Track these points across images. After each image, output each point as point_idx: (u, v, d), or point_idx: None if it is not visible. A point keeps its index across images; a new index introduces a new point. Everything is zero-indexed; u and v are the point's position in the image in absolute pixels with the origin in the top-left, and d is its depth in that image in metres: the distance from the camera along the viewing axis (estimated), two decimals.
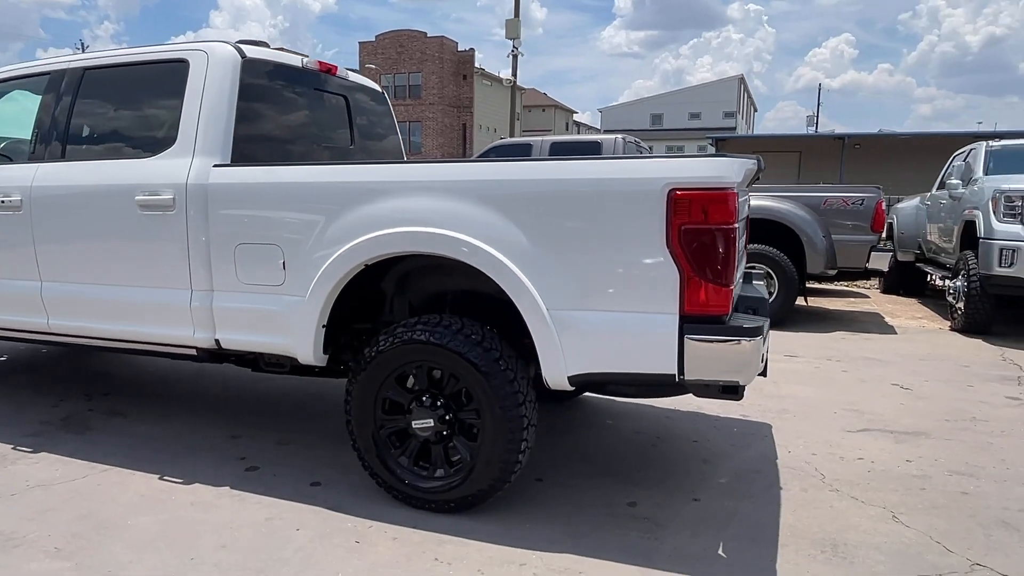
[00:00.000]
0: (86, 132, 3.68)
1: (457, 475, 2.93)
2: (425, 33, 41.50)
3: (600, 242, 2.63)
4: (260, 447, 3.73)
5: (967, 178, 8.04)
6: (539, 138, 12.14)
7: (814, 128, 53.54)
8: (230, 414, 4.28)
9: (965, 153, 8.85)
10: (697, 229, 2.50)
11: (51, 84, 3.71)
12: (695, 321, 2.56)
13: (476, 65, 42.69)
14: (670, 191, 2.51)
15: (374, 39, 42.71)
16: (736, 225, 2.52)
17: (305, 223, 3.02)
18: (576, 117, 66.36)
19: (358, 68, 41.94)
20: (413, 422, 2.95)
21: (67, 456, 3.57)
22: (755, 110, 76.75)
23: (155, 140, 3.43)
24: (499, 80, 45.22)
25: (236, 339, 3.28)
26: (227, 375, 5.09)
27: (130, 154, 3.49)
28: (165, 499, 3.09)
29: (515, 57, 18.68)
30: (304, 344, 3.08)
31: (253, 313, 3.18)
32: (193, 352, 3.46)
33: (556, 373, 2.72)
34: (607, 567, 2.58)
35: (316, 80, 3.92)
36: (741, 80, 61.32)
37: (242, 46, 3.43)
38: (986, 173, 7.79)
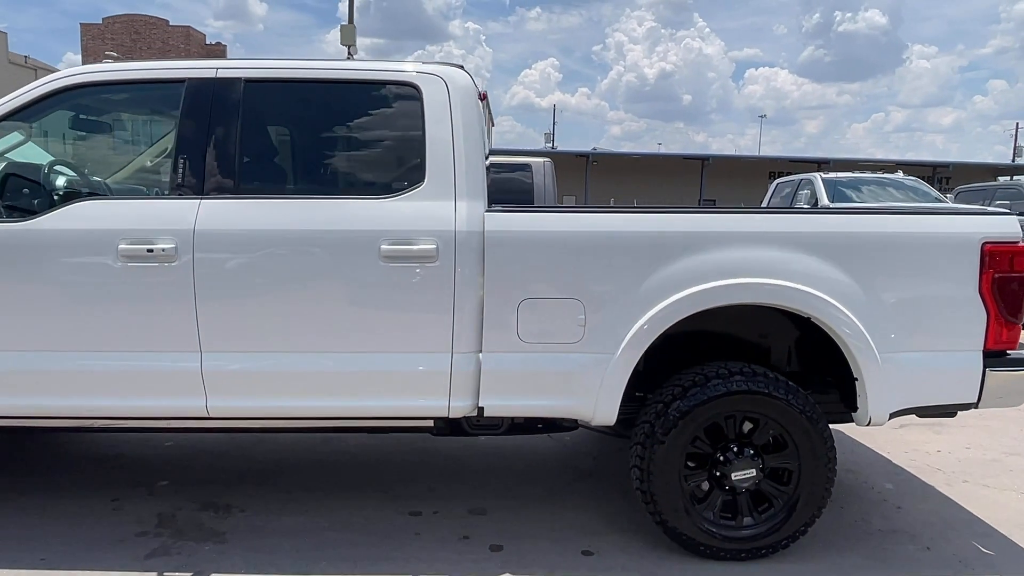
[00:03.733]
0: (270, 162, 2.92)
1: (769, 521, 2.97)
2: (167, 21, 36.82)
3: (922, 288, 2.89)
4: (463, 521, 3.30)
5: (813, 205, 9.71)
6: None
7: (551, 145, 58.40)
8: (375, 487, 3.67)
9: (795, 183, 10.63)
10: (1005, 277, 2.88)
11: (194, 96, 2.85)
12: (992, 355, 2.95)
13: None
14: (984, 244, 2.87)
15: (101, 21, 36.85)
16: None
17: (618, 274, 2.80)
18: None
19: (80, 54, 36.05)
20: (733, 473, 2.91)
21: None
22: None
23: (387, 177, 2.88)
24: None
25: (507, 404, 2.89)
26: (310, 442, 4.29)
27: (353, 193, 2.87)
28: None
29: None
30: (605, 404, 2.85)
31: (536, 375, 2.85)
32: (429, 424, 2.98)
33: (880, 411, 2.91)
34: None
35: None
36: None
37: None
38: (832, 201, 9.49)
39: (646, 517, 3.10)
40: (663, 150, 49.10)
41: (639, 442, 2.94)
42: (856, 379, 2.89)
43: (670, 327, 2.80)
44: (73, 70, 2.90)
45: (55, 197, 3.09)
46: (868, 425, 2.96)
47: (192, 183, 2.81)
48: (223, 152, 2.83)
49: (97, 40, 36.28)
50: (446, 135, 2.85)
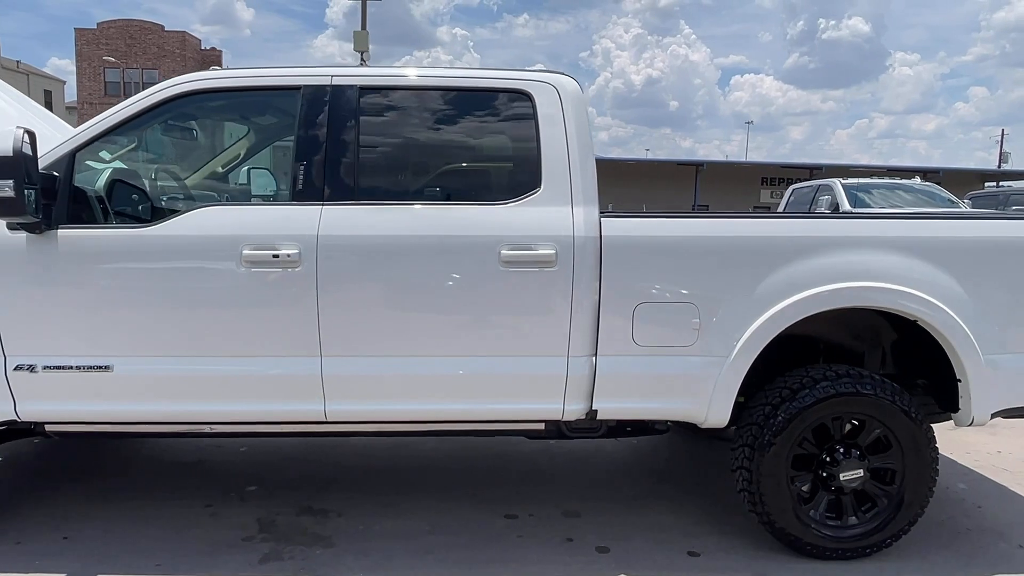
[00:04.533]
0: (387, 169, 2.95)
1: (873, 520, 3.02)
2: (162, 26, 36.62)
3: (1020, 290, 2.97)
4: (560, 523, 3.33)
5: (834, 210, 9.83)
6: None
7: None
8: (462, 490, 3.70)
9: (814, 189, 10.77)
10: None
11: (311, 104, 2.88)
12: None
13: (224, 67, 38.78)
14: None
15: (95, 27, 36.59)
16: None
17: (731, 279, 2.85)
18: None
19: (75, 59, 35.80)
20: (842, 474, 2.96)
21: None
22: None
23: (502, 183, 2.92)
24: None
25: (620, 407, 2.94)
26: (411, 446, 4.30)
27: (469, 199, 2.90)
28: None
29: None
30: (718, 407, 2.90)
31: (650, 378, 2.89)
32: (540, 427, 3.02)
33: (982, 411, 2.97)
34: None
35: None
36: None
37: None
38: (853, 206, 9.62)
39: (744, 518, 3.17)
40: (651, 156, 49.31)
41: (747, 444, 2.99)
42: (959, 380, 2.96)
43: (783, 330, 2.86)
44: (185, 78, 2.92)
45: (163, 203, 3.11)
46: (970, 425, 3.02)
47: (313, 189, 2.83)
48: (342, 159, 2.85)
49: (91, 45, 35.99)
50: (560, 141, 2.90)
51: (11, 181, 2.45)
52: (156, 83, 2.88)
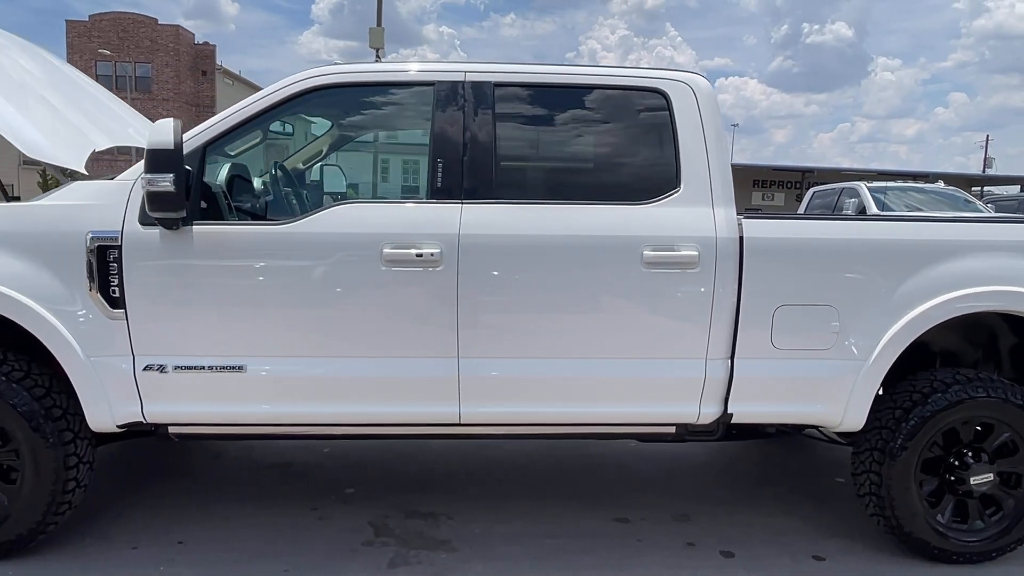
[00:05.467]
0: (523, 167, 2.90)
1: (999, 524, 3.02)
2: (156, 20, 36.01)
3: None
4: (674, 527, 3.30)
5: (861, 213, 9.88)
6: None
7: None
8: (565, 493, 3.65)
9: (837, 192, 10.83)
10: None
11: (446, 100, 2.82)
12: None
13: (218, 62, 38.45)
14: None
15: (87, 19, 35.97)
16: None
17: (873, 282, 2.83)
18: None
19: (66, 51, 35.20)
20: (972, 478, 2.95)
21: None
22: None
23: (639, 182, 2.87)
24: (244, 80, 41.57)
25: (755, 410, 2.92)
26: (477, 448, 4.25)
27: (607, 198, 2.85)
28: None
29: None
30: (854, 411, 2.89)
31: (787, 381, 2.87)
32: (671, 430, 2.99)
33: None
34: None
35: None
36: None
37: None
38: (881, 210, 9.69)
39: (860, 521, 3.17)
40: None
41: (876, 448, 2.97)
42: None
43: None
44: (317, 71, 2.84)
45: (291, 200, 3.04)
46: None
47: (451, 188, 2.78)
48: (479, 156, 2.80)
49: (83, 38, 35.36)
50: (698, 141, 2.87)
51: (172, 175, 2.37)
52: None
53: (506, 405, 2.84)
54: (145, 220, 2.64)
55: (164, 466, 3.91)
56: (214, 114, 2.90)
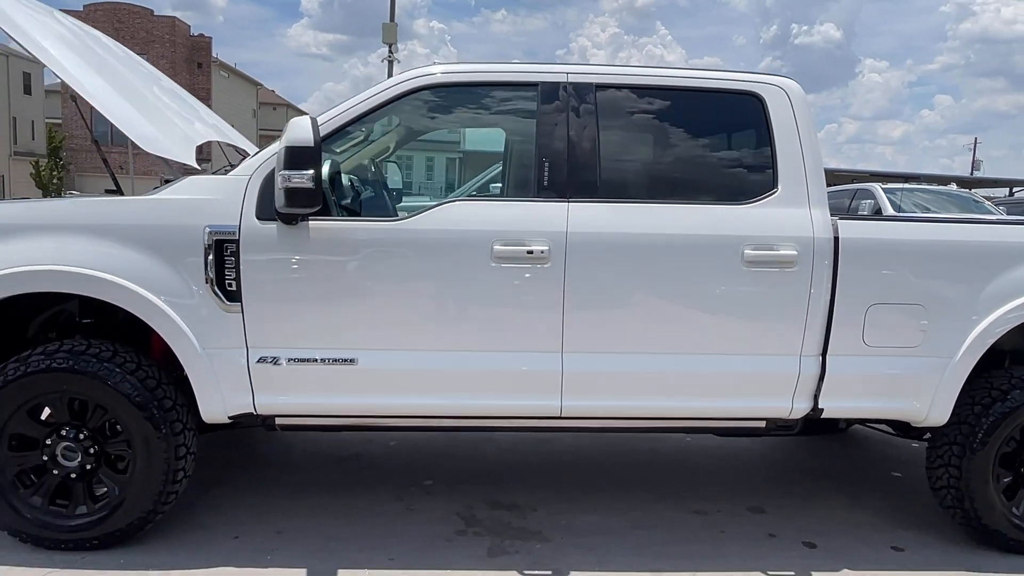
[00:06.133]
0: (626, 167, 2.97)
1: None
2: (151, 11, 35.78)
3: None
4: (751, 519, 3.39)
5: (876, 214, 10.02)
6: None
7: None
8: (634, 485, 3.74)
9: (851, 193, 10.96)
10: None
11: (550, 100, 2.88)
12: None
13: (213, 54, 38.16)
14: None
15: (82, 9, 35.57)
16: None
17: (961, 282, 2.94)
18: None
19: None
20: None
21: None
22: None
23: (737, 183, 2.96)
24: (239, 73, 41.25)
25: (845, 406, 3.01)
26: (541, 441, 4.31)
27: (706, 198, 2.93)
28: None
29: (391, 63, 17.44)
30: (939, 407, 2.99)
31: (877, 378, 2.97)
32: (762, 424, 3.07)
33: None
34: None
35: None
36: None
37: None
38: (896, 211, 9.83)
39: (931, 512, 3.30)
40: None
41: (955, 443, 3.07)
42: None
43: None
44: (424, 70, 2.91)
45: (388, 197, 3.09)
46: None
47: (557, 186, 2.85)
48: (584, 156, 2.87)
49: None
50: (794, 143, 2.95)
51: (311, 171, 2.43)
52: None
53: (607, 399, 2.91)
54: (262, 215, 2.69)
55: (240, 457, 3.95)
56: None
